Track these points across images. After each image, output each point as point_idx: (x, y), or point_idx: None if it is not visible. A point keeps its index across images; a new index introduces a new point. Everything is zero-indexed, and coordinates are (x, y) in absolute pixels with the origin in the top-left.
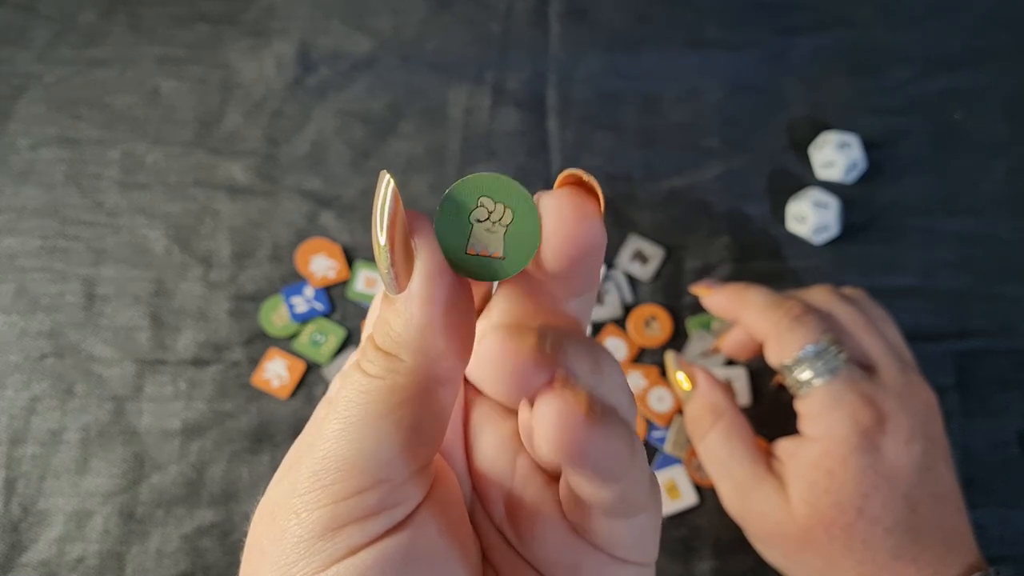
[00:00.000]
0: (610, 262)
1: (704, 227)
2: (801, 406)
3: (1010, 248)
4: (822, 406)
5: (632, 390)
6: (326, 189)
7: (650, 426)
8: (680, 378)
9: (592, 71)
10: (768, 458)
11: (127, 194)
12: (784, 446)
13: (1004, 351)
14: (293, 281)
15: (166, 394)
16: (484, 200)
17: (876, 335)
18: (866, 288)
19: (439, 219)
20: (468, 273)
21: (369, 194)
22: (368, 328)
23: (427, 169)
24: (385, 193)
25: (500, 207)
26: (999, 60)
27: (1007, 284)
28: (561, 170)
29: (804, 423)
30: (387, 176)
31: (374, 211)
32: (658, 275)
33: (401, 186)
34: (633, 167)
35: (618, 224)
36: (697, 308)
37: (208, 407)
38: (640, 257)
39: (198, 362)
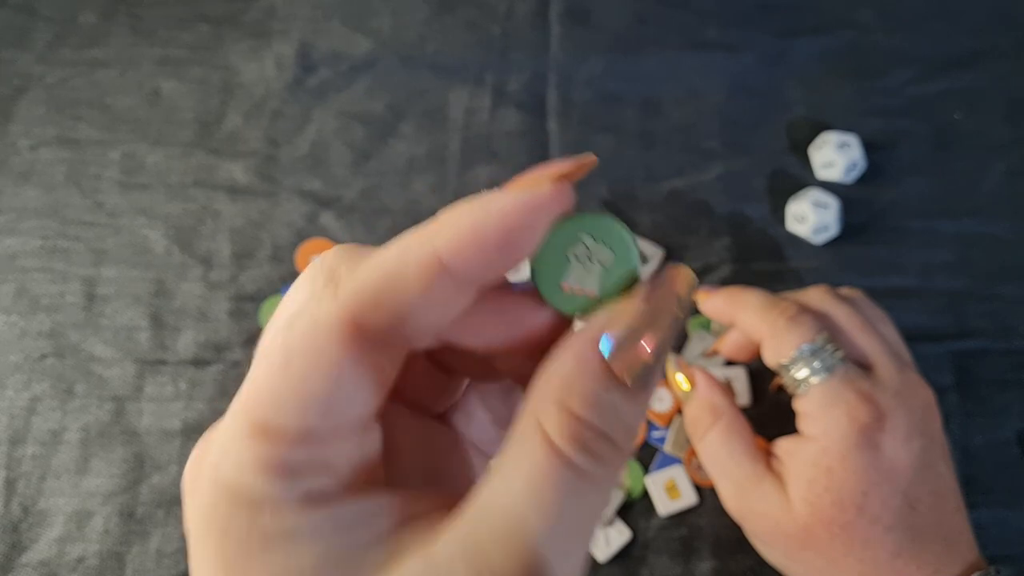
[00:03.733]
0: None
1: (704, 228)
2: (799, 405)
3: (1009, 249)
4: (820, 404)
5: None
6: (326, 190)
7: (650, 426)
8: (679, 379)
9: (593, 73)
10: (768, 457)
11: (127, 195)
12: (783, 445)
13: (1003, 351)
14: (293, 281)
15: (166, 394)
16: (585, 238)
17: (873, 334)
18: (866, 288)
19: (537, 254)
20: (558, 306)
21: (369, 195)
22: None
23: (427, 170)
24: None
25: (600, 246)
26: (998, 61)
27: (1006, 285)
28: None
29: (803, 422)
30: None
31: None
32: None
33: (401, 187)
34: (633, 168)
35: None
36: (696, 309)
37: (208, 407)
38: (640, 258)
39: (198, 362)
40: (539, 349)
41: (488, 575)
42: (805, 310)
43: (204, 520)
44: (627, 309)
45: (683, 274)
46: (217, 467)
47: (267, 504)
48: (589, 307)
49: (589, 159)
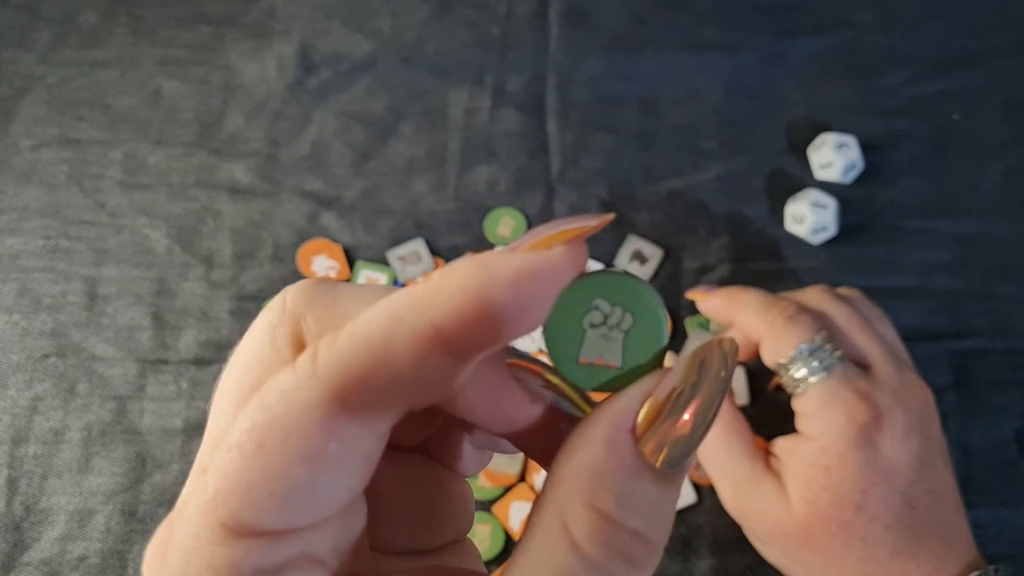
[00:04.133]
0: (609, 262)
1: (703, 228)
2: (798, 404)
3: (1007, 248)
4: (818, 403)
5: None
6: (327, 190)
7: None
8: None
9: (592, 73)
10: (766, 456)
11: (129, 194)
12: (782, 444)
13: (1001, 351)
14: (294, 281)
15: (168, 393)
16: (599, 302)
17: (871, 334)
18: (864, 288)
19: (549, 326)
20: (578, 382)
21: (369, 195)
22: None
23: (427, 170)
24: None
25: (618, 310)
26: (996, 61)
27: (1004, 284)
28: (561, 172)
29: (801, 421)
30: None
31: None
32: (657, 275)
33: (401, 187)
34: (632, 168)
35: (617, 225)
36: (695, 308)
37: (210, 406)
38: (639, 257)
39: (200, 362)
40: (547, 426)
41: None
42: (804, 310)
43: None
44: (658, 380)
45: (723, 339)
46: (184, 569)
47: None
48: (613, 382)
49: (608, 217)
